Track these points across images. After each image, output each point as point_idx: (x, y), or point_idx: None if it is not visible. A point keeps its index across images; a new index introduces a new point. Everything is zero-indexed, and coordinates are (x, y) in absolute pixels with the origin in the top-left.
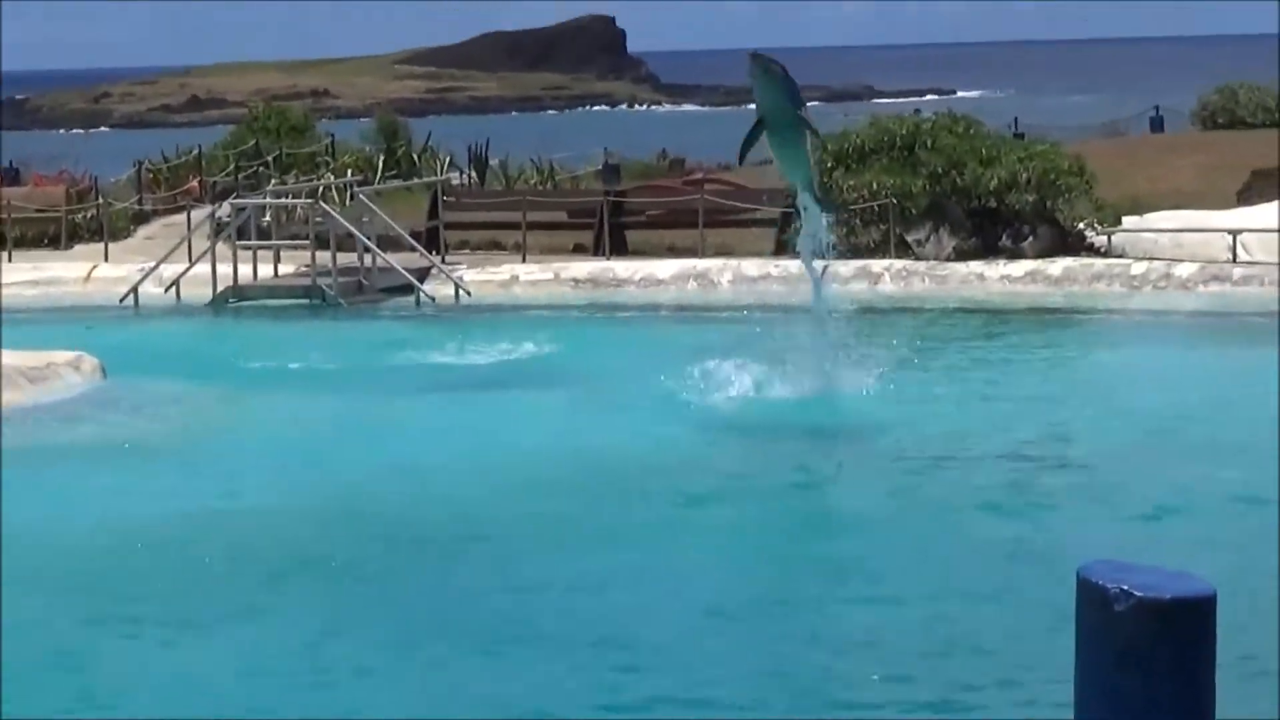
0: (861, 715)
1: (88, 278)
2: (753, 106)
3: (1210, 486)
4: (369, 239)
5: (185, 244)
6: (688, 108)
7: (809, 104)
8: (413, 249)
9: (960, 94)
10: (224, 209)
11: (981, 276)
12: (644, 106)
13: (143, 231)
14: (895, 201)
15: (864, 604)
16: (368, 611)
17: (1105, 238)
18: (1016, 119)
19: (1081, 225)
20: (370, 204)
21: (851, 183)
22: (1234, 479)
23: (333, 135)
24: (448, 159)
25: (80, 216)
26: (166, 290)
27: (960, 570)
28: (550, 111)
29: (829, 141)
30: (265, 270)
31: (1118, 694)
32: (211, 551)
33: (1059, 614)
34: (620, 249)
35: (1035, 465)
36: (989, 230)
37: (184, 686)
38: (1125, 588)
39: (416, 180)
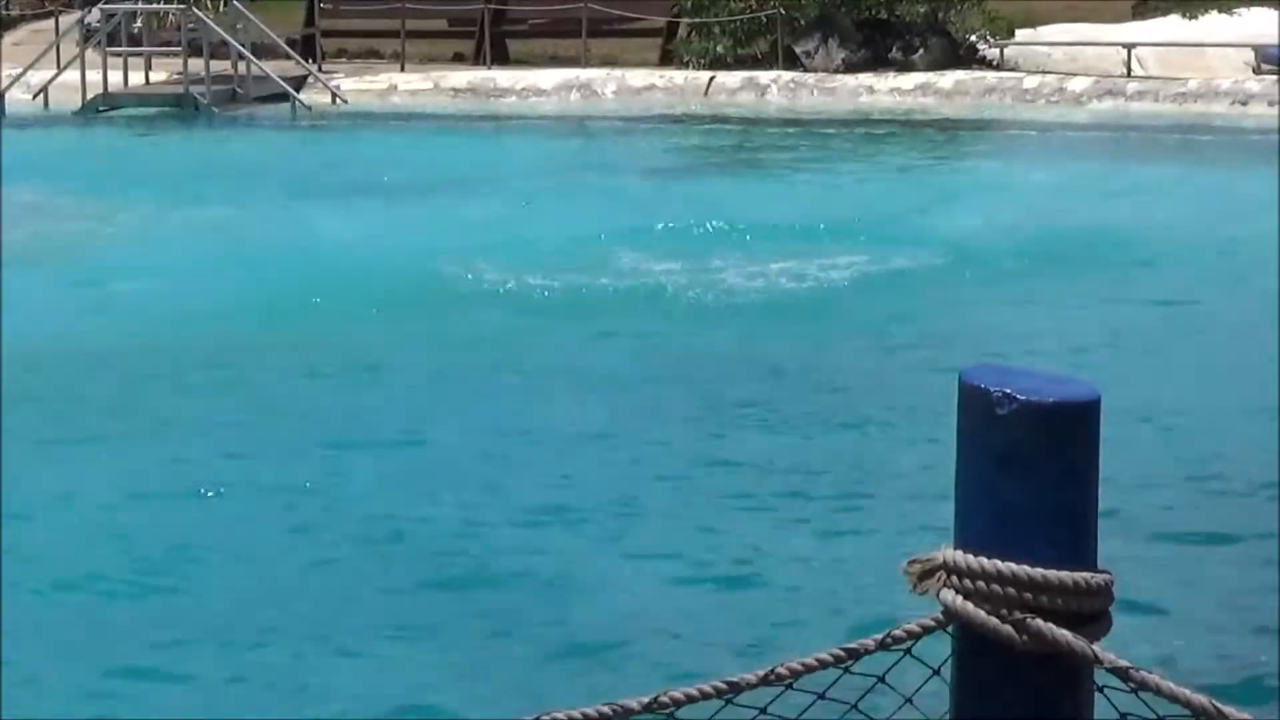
0: None
1: None
2: None
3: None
4: (243, 46)
5: (53, 50)
6: None
7: None
8: (288, 57)
9: None
10: (93, 14)
11: (871, 89)
12: None
13: (9, 38)
14: (783, 11)
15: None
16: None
17: (997, 51)
18: None
19: (973, 38)
20: (244, 10)
21: None
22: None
23: None
24: None
25: None
26: (34, 97)
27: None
28: None
29: None
30: (136, 78)
31: (999, 498)
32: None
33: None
34: (502, 58)
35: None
36: (879, 42)
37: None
38: (1008, 391)
39: None
